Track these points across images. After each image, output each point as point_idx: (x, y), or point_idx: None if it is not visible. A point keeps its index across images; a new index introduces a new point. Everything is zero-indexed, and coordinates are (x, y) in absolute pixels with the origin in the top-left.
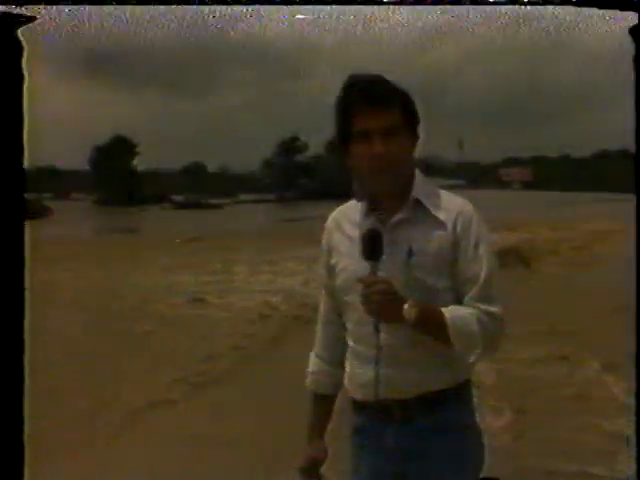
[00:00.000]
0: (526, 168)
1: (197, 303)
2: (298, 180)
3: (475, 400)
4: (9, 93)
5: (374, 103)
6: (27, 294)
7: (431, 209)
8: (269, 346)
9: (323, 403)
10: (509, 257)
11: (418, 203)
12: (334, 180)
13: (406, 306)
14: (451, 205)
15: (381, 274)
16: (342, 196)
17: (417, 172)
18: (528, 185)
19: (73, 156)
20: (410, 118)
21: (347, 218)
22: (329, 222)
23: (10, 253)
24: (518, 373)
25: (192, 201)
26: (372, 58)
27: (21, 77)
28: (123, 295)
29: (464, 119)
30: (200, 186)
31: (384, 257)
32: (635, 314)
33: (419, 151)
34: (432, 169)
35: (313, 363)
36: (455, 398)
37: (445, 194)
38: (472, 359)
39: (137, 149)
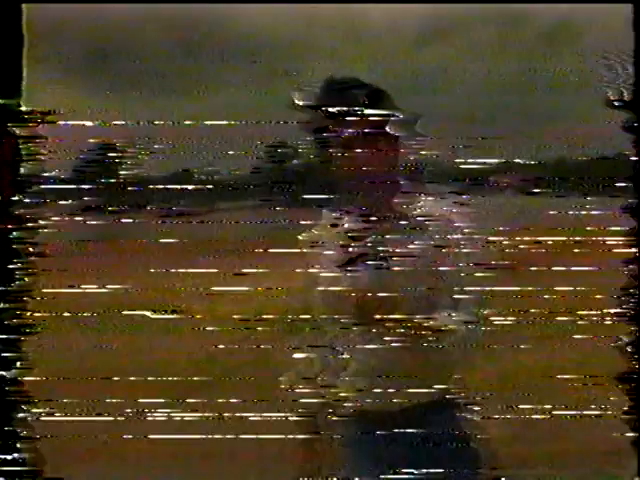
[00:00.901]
0: (520, 173)
1: (178, 311)
2: (286, 187)
3: (474, 408)
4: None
5: (355, 107)
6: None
7: (415, 213)
8: (250, 358)
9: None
10: (504, 262)
11: (405, 207)
12: (323, 186)
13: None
14: (433, 210)
15: (365, 280)
16: (331, 202)
17: (403, 175)
18: (523, 190)
19: (57, 161)
20: (395, 122)
21: (334, 225)
22: (316, 228)
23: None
24: (518, 379)
25: (177, 208)
26: (363, 57)
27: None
28: (102, 303)
29: (456, 120)
30: (185, 193)
31: (371, 265)
32: (635, 315)
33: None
34: (422, 173)
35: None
36: (448, 408)
37: (432, 198)
38: (464, 365)
39: (121, 153)
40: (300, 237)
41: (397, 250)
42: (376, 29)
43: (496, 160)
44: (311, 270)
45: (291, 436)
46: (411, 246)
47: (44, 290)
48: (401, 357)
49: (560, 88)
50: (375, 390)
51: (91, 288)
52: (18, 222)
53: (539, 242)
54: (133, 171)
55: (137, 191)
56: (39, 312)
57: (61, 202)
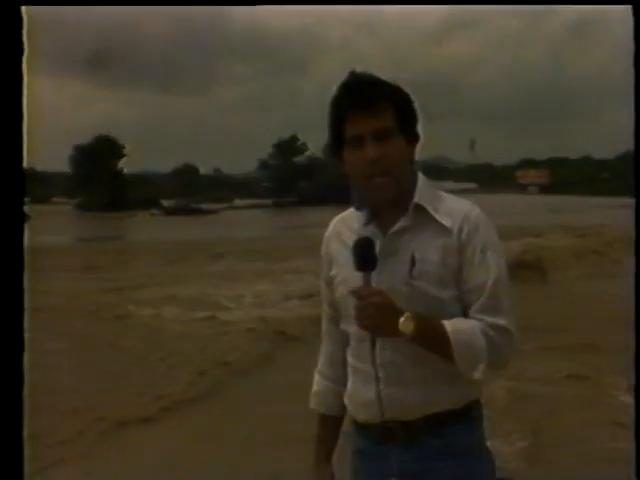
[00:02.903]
0: (543, 170)
1: (185, 316)
2: (297, 183)
3: (486, 422)
4: (9, 93)
5: (364, 106)
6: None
7: (434, 215)
8: (260, 363)
9: (329, 425)
10: (523, 266)
11: (420, 209)
12: (335, 184)
13: (402, 319)
14: (456, 210)
15: (380, 285)
16: (344, 201)
17: (420, 175)
18: (546, 188)
19: (53, 157)
20: (406, 119)
21: (347, 226)
22: (328, 231)
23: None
24: (533, 393)
25: (183, 206)
26: (380, 52)
27: (20, 77)
28: (105, 306)
29: (476, 117)
30: (191, 190)
31: (387, 267)
32: (635, 315)
33: (426, 152)
34: (441, 171)
35: (317, 382)
36: (463, 419)
37: (450, 198)
38: (476, 376)
39: (123, 150)
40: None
41: (419, 251)
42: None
43: (519, 156)
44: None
45: None
46: (433, 247)
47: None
48: (407, 365)
49: (587, 82)
50: (397, 397)
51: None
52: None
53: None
54: (136, 167)
55: (141, 188)
56: None
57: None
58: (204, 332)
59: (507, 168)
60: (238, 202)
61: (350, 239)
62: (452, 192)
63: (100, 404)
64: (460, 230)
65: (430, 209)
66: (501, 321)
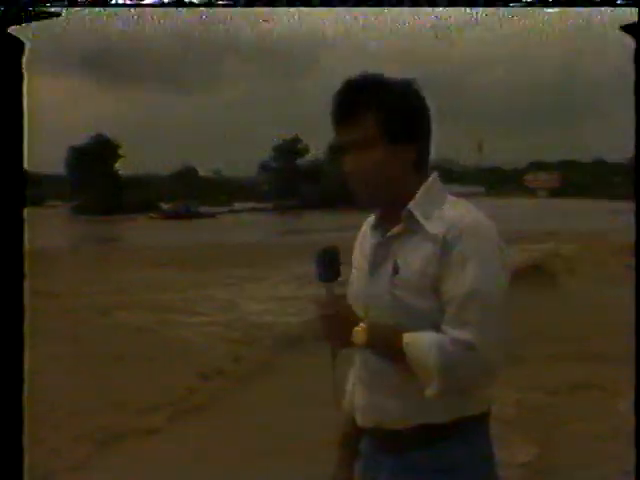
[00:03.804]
0: (554, 173)
1: (182, 323)
2: (299, 187)
3: (493, 433)
4: (9, 93)
5: (341, 118)
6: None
7: (422, 221)
8: (259, 370)
9: (354, 424)
10: (533, 273)
11: (412, 215)
12: (341, 187)
13: (355, 330)
14: (448, 216)
15: (370, 293)
16: (349, 205)
17: (431, 178)
18: (556, 192)
19: (47, 158)
20: (393, 123)
21: (367, 228)
22: (361, 229)
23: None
24: (542, 403)
25: (182, 210)
26: (386, 52)
27: (21, 77)
28: (101, 311)
29: (484, 118)
30: (191, 193)
31: (376, 275)
32: (635, 315)
33: (432, 154)
34: (447, 175)
35: (349, 380)
36: (453, 434)
37: (453, 203)
38: (429, 393)
39: (120, 151)
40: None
41: (403, 259)
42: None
43: (528, 159)
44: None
45: None
46: (416, 254)
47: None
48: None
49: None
50: (385, 405)
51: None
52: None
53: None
54: (134, 169)
55: (138, 190)
56: None
57: (55, 201)
58: (202, 339)
59: (516, 171)
60: (238, 205)
61: (366, 241)
62: (458, 196)
63: (95, 414)
64: (444, 238)
65: (419, 215)
66: (465, 336)
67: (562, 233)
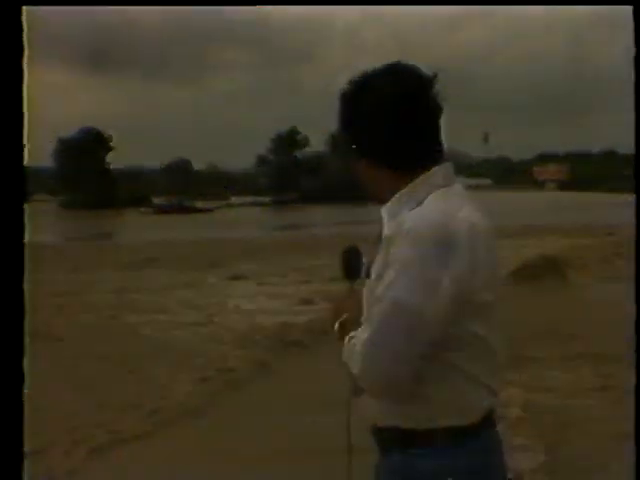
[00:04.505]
0: (563, 165)
1: (178, 323)
2: (298, 180)
3: (499, 436)
4: (9, 90)
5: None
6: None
7: (385, 224)
8: (257, 372)
9: None
10: (542, 268)
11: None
12: (342, 180)
13: (336, 324)
14: (403, 217)
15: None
16: (351, 199)
17: (419, 179)
18: (565, 185)
19: (34, 151)
20: (353, 143)
21: None
22: None
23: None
24: (550, 405)
25: (175, 204)
26: (388, 41)
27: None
28: (91, 311)
29: (490, 108)
30: (184, 187)
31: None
32: (635, 315)
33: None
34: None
35: None
36: (425, 442)
37: (426, 202)
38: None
39: (110, 143)
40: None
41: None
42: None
43: (536, 150)
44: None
45: None
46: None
47: None
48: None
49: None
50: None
51: None
52: None
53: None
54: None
55: (130, 184)
56: None
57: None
58: (198, 340)
59: (523, 163)
60: (235, 200)
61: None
62: (465, 188)
63: (89, 417)
64: (390, 239)
65: (386, 217)
66: (363, 335)
67: (572, 227)
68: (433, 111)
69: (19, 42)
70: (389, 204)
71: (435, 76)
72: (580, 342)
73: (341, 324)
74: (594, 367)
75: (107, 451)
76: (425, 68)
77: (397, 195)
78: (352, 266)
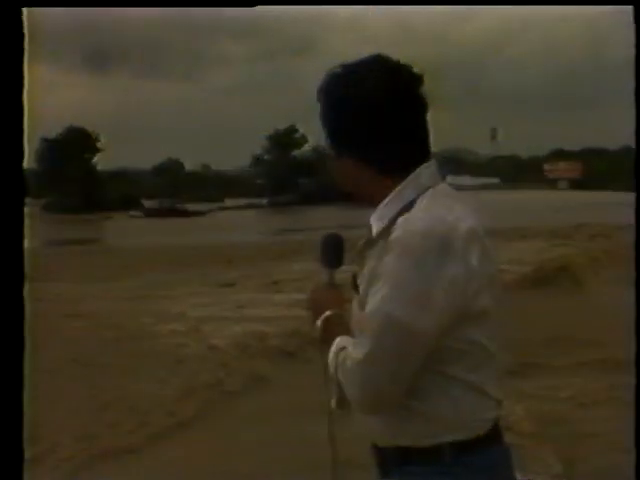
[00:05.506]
0: (575, 162)
1: (169, 332)
2: (296, 181)
3: (509, 450)
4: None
5: None
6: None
7: (372, 231)
8: (252, 383)
9: None
10: (554, 271)
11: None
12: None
13: (318, 321)
14: (396, 226)
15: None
16: (351, 200)
17: (405, 181)
18: (578, 183)
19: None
20: (330, 141)
21: None
22: None
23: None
24: (565, 415)
25: (166, 207)
26: (392, 31)
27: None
28: (78, 319)
29: (499, 103)
30: (176, 189)
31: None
32: (635, 315)
33: (443, 143)
34: (458, 165)
35: None
36: (431, 460)
37: (415, 208)
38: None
39: (98, 143)
40: None
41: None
42: None
43: (548, 147)
44: None
45: None
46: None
47: None
48: None
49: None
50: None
51: None
52: None
53: None
54: (113, 163)
55: (118, 186)
56: None
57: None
58: (189, 349)
59: (534, 160)
60: (229, 202)
61: None
62: (467, 188)
63: (80, 430)
64: (381, 251)
65: (375, 225)
66: (355, 353)
67: (586, 227)
68: (420, 109)
69: (19, 43)
70: (377, 210)
71: (422, 74)
72: (595, 348)
73: (324, 322)
74: (610, 374)
75: (96, 464)
76: (409, 63)
77: (384, 201)
78: (333, 253)
